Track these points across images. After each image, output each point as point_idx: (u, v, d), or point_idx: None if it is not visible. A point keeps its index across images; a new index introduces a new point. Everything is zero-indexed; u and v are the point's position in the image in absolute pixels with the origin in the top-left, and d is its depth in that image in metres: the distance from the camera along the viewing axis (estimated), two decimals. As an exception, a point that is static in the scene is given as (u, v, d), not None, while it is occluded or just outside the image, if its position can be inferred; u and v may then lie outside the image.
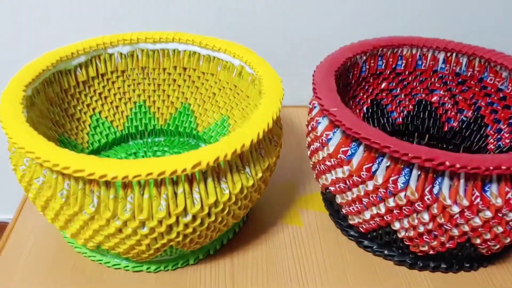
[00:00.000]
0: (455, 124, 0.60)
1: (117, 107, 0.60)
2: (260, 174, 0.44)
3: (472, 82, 0.57)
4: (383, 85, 0.60)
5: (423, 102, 0.61)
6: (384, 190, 0.42)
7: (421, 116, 0.62)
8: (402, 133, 0.62)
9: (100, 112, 0.58)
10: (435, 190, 0.40)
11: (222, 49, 0.55)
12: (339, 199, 0.48)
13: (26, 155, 0.39)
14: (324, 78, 0.49)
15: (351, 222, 0.49)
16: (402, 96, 0.61)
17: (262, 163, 0.44)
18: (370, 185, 0.43)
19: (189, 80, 0.60)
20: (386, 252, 0.49)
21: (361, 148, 0.43)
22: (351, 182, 0.44)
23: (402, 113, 0.62)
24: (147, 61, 0.58)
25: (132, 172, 0.36)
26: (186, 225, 0.41)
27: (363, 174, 0.43)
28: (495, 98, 0.56)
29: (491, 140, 0.57)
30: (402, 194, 0.41)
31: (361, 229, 0.49)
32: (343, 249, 0.50)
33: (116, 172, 0.36)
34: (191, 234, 0.42)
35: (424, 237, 0.43)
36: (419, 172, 0.40)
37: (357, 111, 0.60)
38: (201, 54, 0.58)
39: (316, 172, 0.51)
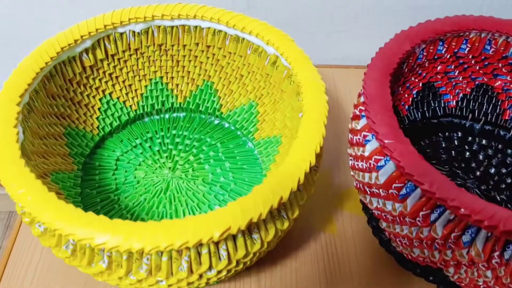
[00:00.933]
0: (518, 114, 0.52)
1: (130, 85, 0.52)
2: (297, 212, 0.38)
3: (548, 74, 0.48)
4: (439, 67, 0.51)
5: (484, 86, 0.52)
6: (443, 242, 0.36)
7: (479, 100, 0.53)
8: (454, 117, 0.54)
9: (111, 93, 0.51)
10: (507, 255, 0.34)
11: (253, 33, 0.46)
12: (383, 224, 0.43)
13: (21, 207, 0.33)
14: (378, 89, 0.40)
15: (394, 245, 0.45)
16: (460, 79, 0.53)
17: (300, 199, 0.38)
18: (425, 232, 0.37)
19: (213, 58, 0.51)
20: (431, 278, 0.45)
21: (419, 190, 0.37)
22: (401, 219, 0.39)
23: (457, 96, 0.54)
24: (164, 37, 0.49)
25: (149, 244, 0.30)
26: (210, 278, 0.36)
27: (418, 220, 0.37)
28: None
29: (559, 141, 0.50)
30: (464, 251, 0.35)
31: (405, 256, 0.44)
32: (381, 265, 0.47)
33: (129, 244, 0.30)
34: (216, 281, 0.38)
35: (482, 287, 0.39)
36: (488, 234, 0.34)
37: (406, 95, 0.52)
38: (228, 34, 0.48)
39: (356, 186, 0.45)
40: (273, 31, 0.46)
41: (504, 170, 0.49)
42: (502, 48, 0.49)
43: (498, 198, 0.47)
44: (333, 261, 0.47)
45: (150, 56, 0.51)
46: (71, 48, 0.44)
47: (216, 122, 0.54)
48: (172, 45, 0.50)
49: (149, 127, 0.53)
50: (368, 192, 0.42)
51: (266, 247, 0.37)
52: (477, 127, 0.54)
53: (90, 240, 0.31)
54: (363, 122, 0.42)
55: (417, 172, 0.35)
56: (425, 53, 0.48)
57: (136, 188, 0.47)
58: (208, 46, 0.50)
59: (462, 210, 0.33)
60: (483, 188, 0.48)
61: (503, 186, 0.48)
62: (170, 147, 0.51)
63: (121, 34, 0.47)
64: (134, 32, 0.48)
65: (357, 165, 0.43)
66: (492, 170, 0.49)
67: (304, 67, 0.43)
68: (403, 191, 0.37)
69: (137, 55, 0.50)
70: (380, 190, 0.39)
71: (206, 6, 0.48)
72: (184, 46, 0.50)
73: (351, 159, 0.44)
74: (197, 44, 0.50)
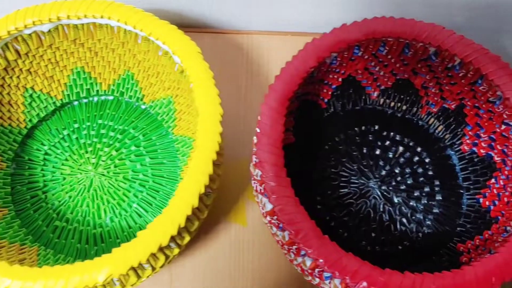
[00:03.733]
0: (435, 110, 0.53)
1: (51, 76, 0.52)
2: (188, 238, 0.42)
3: (462, 81, 0.47)
4: (359, 65, 0.50)
5: (405, 82, 0.52)
6: (311, 272, 0.41)
7: (400, 94, 0.53)
8: (373, 109, 0.55)
9: (32, 87, 0.52)
10: (357, 291, 0.39)
11: (160, 40, 0.45)
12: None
13: None
14: (272, 121, 0.41)
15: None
16: (381, 73, 0.52)
17: (191, 227, 0.42)
18: (299, 260, 0.41)
19: (129, 52, 0.51)
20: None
21: (294, 227, 0.40)
22: (282, 243, 0.43)
23: (378, 88, 0.54)
24: (77, 33, 0.48)
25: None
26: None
27: (292, 251, 0.41)
28: (484, 106, 0.47)
29: (468, 141, 0.51)
30: (326, 281, 0.40)
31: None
32: (279, 259, 0.51)
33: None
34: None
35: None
36: (343, 276, 0.39)
37: (325, 90, 0.52)
38: (139, 35, 0.47)
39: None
40: (181, 39, 0.45)
41: (408, 170, 0.52)
42: (420, 52, 0.47)
43: (395, 200, 0.50)
44: (239, 253, 0.51)
45: (66, 49, 0.50)
46: (-25, 64, 0.44)
47: (143, 107, 0.56)
48: (87, 39, 0.50)
49: (77, 114, 0.55)
50: (261, 210, 0.45)
51: (158, 270, 0.42)
52: (398, 115, 0.55)
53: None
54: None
55: (287, 220, 0.38)
56: (339, 59, 0.48)
57: (62, 185, 0.51)
58: (123, 42, 0.50)
59: (320, 260, 0.37)
60: (383, 188, 0.51)
61: (403, 187, 0.51)
62: (95, 140, 0.53)
63: (29, 34, 0.47)
64: (43, 32, 0.47)
65: (253, 182, 0.46)
66: (397, 170, 0.52)
67: (205, 89, 0.43)
68: (282, 225, 0.41)
69: (52, 49, 0.50)
70: (267, 216, 0.43)
71: (114, 3, 0.46)
72: (99, 40, 0.50)
73: (251, 172, 0.47)
74: (112, 38, 0.49)
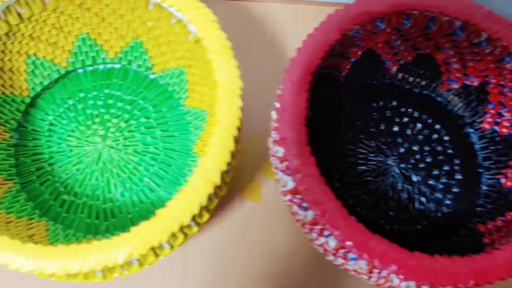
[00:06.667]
0: (456, 86, 0.51)
1: (55, 42, 0.49)
2: (207, 216, 0.41)
3: (489, 58, 0.46)
4: (380, 38, 0.48)
5: (426, 56, 0.50)
6: (334, 252, 0.40)
7: (420, 69, 0.51)
8: (391, 84, 0.53)
9: (35, 53, 0.49)
10: (384, 273, 0.38)
11: (174, 7, 0.42)
12: (295, 211, 0.46)
13: None
14: (293, 95, 0.39)
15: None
16: (402, 48, 0.50)
17: (210, 205, 0.41)
18: (321, 240, 0.40)
19: (139, 19, 0.48)
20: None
21: (318, 207, 0.39)
22: (303, 222, 0.42)
23: (398, 63, 0.52)
24: (83, -4, 0.45)
25: (60, 268, 0.34)
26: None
27: (315, 231, 0.40)
28: (509, 84, 0.46)
29: (489, 120, 0.49)
30: (351, 262, 0.39)
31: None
32: (295, 238, 0.50)
33: (40, 269, 0.34)
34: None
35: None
36: (369, 257, 0.38)
37: (344, 64, 0.50)
38: (150, 1, 0.44)
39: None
40: (196, 7, 0.42)
41: (427, 148, 0.50)
42: (445, 26, 0.45)
43: (414, 178, 0.49)
44: (253, 230, 0.50)
45: (71, 14, 0.47)
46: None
47: (152, 77, 0.53)
48: (94, 4, 0.46)
49: (82, 83, 0.52)
50: (281, 189, 0.44)
51: (177, 247, 0.40)
52: (416, 91, 0.53)
53: (6, 265, 0.34)
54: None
55: (312, 200, 0.37)
56: (361, 31, 0.45)
57: (69, 157, 0.49)
58: (132, 8, 0.47)
59: (348, 242, 0.36)
60: (402, 166, 0.49)
61: (422, 165, 0.49)
62: (102, 111, 0.51)
63: (33, -3, 0.44)
64: (47, -6, 0.44)
65: (273, 159, 0.44)
66: (416, 147, 0.50)
67: (223, 61, 0.41)
68: (305, 204, 0.40)
69: (56, 14, 0.47)
70: (288, 194, 0.41)
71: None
72: (107, 5, 0.47)
73: (270, 149, 0.45)
74: (121, 3, 0.46)
